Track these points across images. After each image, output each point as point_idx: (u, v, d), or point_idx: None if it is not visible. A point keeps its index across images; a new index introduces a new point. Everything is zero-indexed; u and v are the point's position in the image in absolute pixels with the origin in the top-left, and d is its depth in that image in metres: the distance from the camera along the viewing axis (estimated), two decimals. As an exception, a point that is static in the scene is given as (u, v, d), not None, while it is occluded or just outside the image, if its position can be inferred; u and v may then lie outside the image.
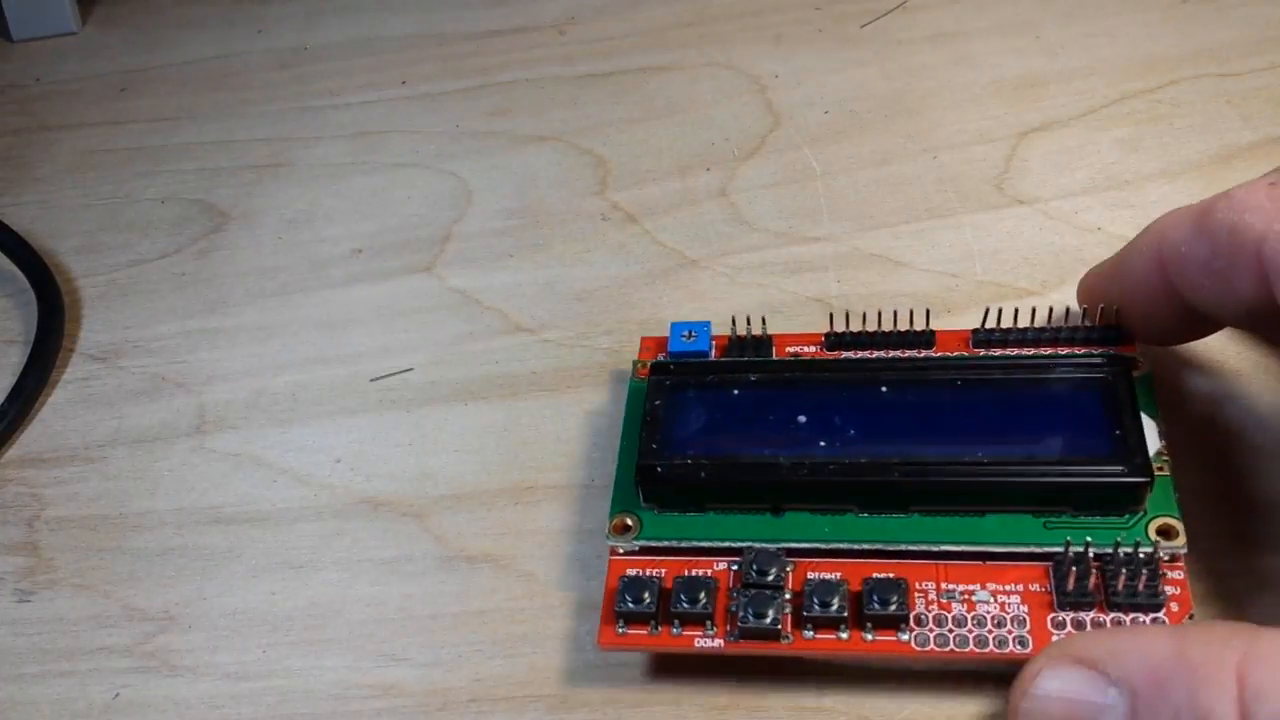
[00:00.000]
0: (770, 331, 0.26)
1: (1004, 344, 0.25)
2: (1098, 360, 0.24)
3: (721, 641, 0.22)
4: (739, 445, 0.24)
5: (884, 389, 0.24)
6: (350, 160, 0.37)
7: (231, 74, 0.42)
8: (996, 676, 0.22)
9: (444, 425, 0.29)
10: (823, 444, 0.23)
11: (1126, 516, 0.22)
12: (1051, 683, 0.19)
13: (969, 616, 0.22)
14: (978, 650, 0.21)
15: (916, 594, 0.22)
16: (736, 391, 0.25)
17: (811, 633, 0.22)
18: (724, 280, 0.31)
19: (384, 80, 0.40)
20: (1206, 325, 0.24)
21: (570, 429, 0.28)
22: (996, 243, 0.30)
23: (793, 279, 0.30)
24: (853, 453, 0.23)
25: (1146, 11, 0.36)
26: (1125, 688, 0.18)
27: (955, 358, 0.25)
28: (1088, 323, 0.25)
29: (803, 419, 0.24)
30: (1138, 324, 0.24)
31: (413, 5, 0.43)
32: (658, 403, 0.25)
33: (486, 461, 0.28)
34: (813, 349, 0.26)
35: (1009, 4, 0.38)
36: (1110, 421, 0.23)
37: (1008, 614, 0.22)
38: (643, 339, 0.28)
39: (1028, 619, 0.21)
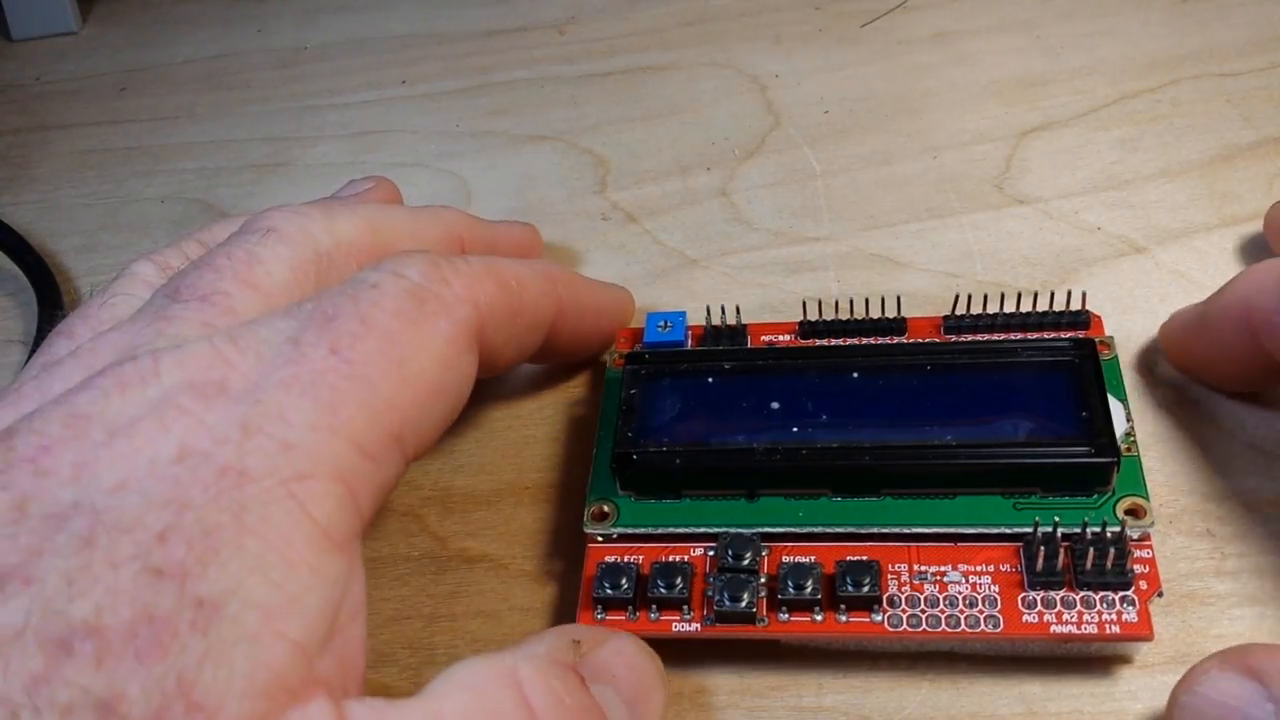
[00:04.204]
0: (749, 323, 0.27)
1: (974, 330, 0.26)
2: (1065, 344, 0.24)
3: (698, 625, 0.22)
4: (713, 432, 0.24)
5: (855, 375, 0.25)
6: (350, 160, 0.37)
7: (231, 73, 0.42)
8: (970, 657, 0.22)
9: (444, 425, 0.29)
10: (795, 429, 0.24)
11: (1095, 496, 0.23)
12: (1217, 684, 0.19)
13: (941, 597, 0.22)
14: (950, 630, 0.22)
15: (889, 576, 0.22)
16: (711, 379, 0.25)
17: (786, 615, 0.22)
18: (724, 280, 0.31)
19: (384, 80, 0.40)
20: None
21: (570, 429, 0.28)
22: (996, 242, 0.30)
23: (793, 279, 0.30)
24: (825, 438, 0.24)
25: (1147, 11, 0.36)
26: None
27: (925, 344, 0.26)
28: (1056, 308, 0.26)
29: (776, 405, 0.24)
30: (1225, 379, 0.25)
31: (412, 5, 0.43)
32: (633, 391, 0.25)
33: (485, 461, 0.28)
34: (787, 337, 0.27)
35: (1009, 3, 0.38)
36: (1077, 403, 0.23)
37: (979, 594, 0.22)
38: (620, 330, 0.28)
39: (999, 599, 0.22)
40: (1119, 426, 0.23)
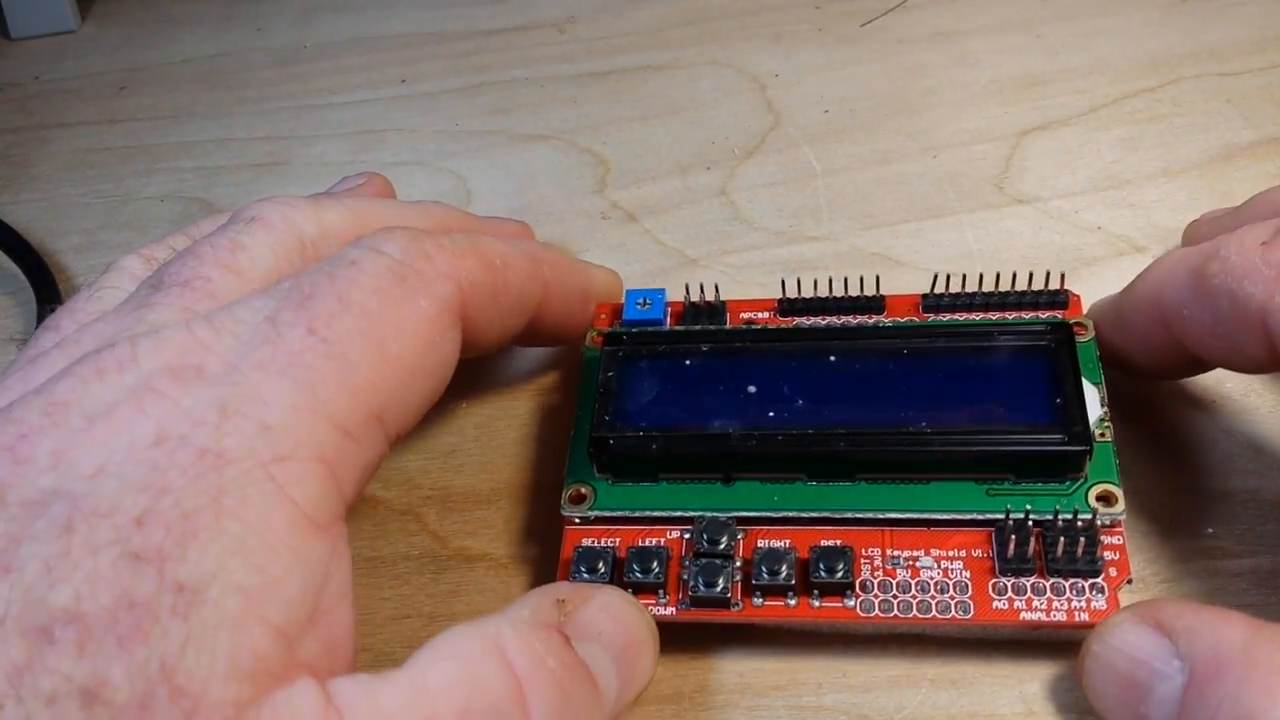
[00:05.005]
0: (728, 299, 0.27)
1: (953, 308, 0.26)
2: (1041, 328, 0.24)
3: (674, 609, 0.23)
4: (690, 416, 0.24)
5: (832, 358, 0.25)
6: (349, 159, 0.37)
7: (230, 72, 0.42)
8: (942, 641, 0.23)
9: (443, 424, 0.29)
10: (771, 414, 0.24)
11: (1067, 483, 0.23)
12: (1127, 637, 0.19)
13: (913, 583, 0.22)
14: (921, 616, 0.22)
15: (863, 560, 0.23)
16: (688, 362, 0.25)
17: (760, 600, 0.22)
18: (724, 279, 0.31)
19: (383, 79, 0.40)
20: (1214, 365, 0.24)
21: (569, 428, 0.28)
22: (996, 242, 0.30)
23: (793, 278, 0.30)
24: (801, 423, 0.24)
25: (1147, 10, 0.36)
26: (1188, 665, 0.18)
27: (901, 326, 0.26)
28: (1035, 286, 0.26)
29: (753, 389, 0.24)
30: (1147, 369, 0.25)
31: (412, 3, 0.43)
32: (610, 374, 0.25)
33: (486, 461, 0.28)
34: (766, 314, 0.27)
35: (1009, 3, 0.38)
36: (1052, 389, 0.23)
37: (950, 579, 0.22)
38: (597, 305, 0.28)
39: (970, 584, 0.22)
40: (1093, 412, 0.23)
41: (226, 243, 0.21)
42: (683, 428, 0.24)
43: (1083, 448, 0.22)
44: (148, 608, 0.16)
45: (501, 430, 0.28)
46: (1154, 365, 0.24)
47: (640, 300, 0.27)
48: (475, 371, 0.30)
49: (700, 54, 0.38)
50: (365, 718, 0.17)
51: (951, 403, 0.24)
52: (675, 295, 0.28)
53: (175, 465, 0.17)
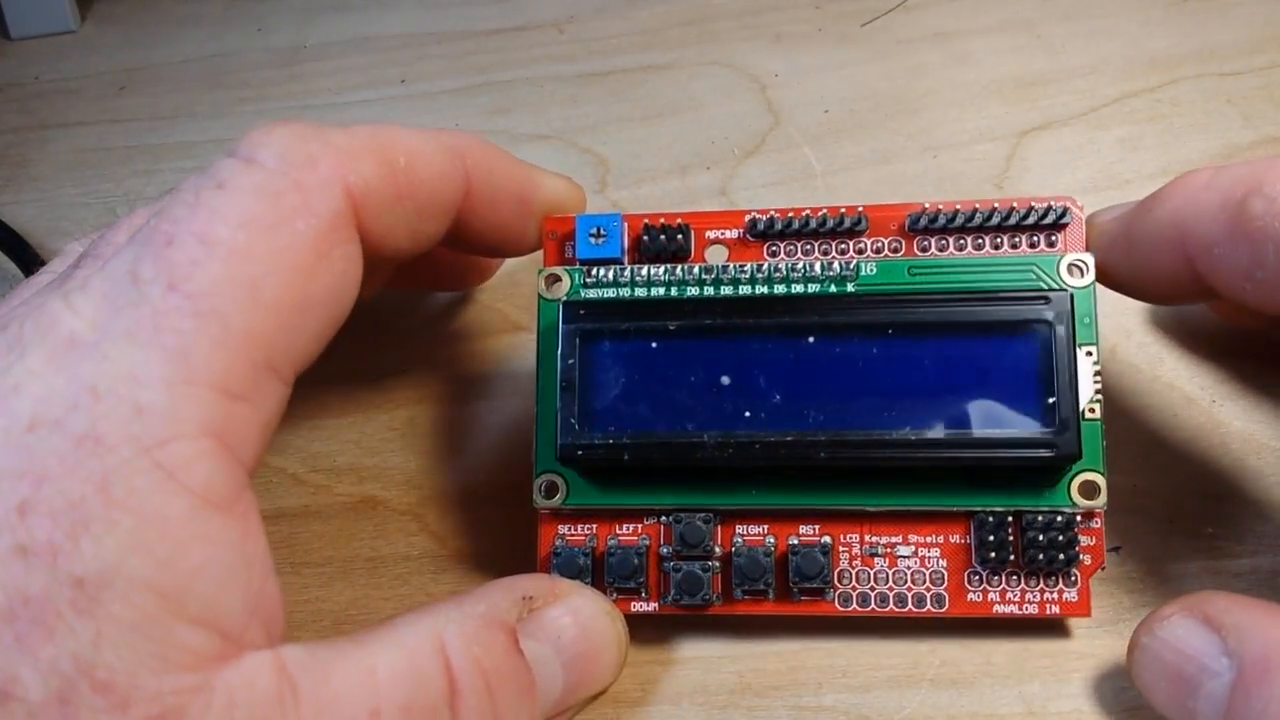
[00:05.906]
0: (690, 212, 0.26)
1: (945, 230, 0.24)
2: (1040, 302, 0.22)
3: (656, 604, 0.23)
4: (661, 418, 0.23)
5: (810, 340, 0.23)
6: (349, 159, 0.37)
7: (230, 72, 0.42)
8: (941, 641, 0.22)
9: (444, 424, 0.29)
10: (748, 414, 0.22)
11: (1052, 476, 0.23)
12: (1176, 631, 0.19)
13: (890, 573, 0.23)
14: (897, 609, 0.22)
15: (840, 549, 0.23)
16: (654, 344, 0.23)
17: (741, 595, 0.23)
18: (724, 279, 0.31)
19: (383, 79, 0.40)
20: (1234, 301, 0.22)
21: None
22: (997, 242, 0.30)
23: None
24: (778, 426, 0.22)
25: (1147, 10, 0.36)
26: (1236, 662, 0.18)
27: (885, 297, 0.23)
28: (1038, 206, 0.24)
29: (726, 380, 0.23)
30: (1149, 295, 0.23)
31: (412, 3, 0.43)
32: (571, 361, 0.23)
33: (486, 461, 0.28)
34: (735, 233, 0.25)
35: (1009, 3, 0.38)
36: (1044, 385, 0.22)
37: (927, 569, 0.22)
38: (547, 220, 0.25)
39: (945, 574, 0.22)
40: (1085, 393, 0.22)
41: (144, 211, 0.21)
42: (654, 433, 0.23)
43: (1072, 453, 0.21)
44: (45, 604, 0.15)
45: (500, 431, 0.28)
46: (1161, 294, 0.23)
47: (593, 232, 0.24)
48: (476, 370, 0.30)
49: (700, 54, 0.38)
50: (316, 699, 0.17)
51: (937, 398, 0.22)
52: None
53: (53, 452, 0.16)
